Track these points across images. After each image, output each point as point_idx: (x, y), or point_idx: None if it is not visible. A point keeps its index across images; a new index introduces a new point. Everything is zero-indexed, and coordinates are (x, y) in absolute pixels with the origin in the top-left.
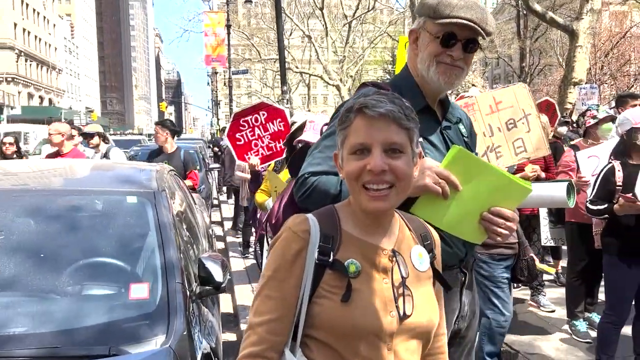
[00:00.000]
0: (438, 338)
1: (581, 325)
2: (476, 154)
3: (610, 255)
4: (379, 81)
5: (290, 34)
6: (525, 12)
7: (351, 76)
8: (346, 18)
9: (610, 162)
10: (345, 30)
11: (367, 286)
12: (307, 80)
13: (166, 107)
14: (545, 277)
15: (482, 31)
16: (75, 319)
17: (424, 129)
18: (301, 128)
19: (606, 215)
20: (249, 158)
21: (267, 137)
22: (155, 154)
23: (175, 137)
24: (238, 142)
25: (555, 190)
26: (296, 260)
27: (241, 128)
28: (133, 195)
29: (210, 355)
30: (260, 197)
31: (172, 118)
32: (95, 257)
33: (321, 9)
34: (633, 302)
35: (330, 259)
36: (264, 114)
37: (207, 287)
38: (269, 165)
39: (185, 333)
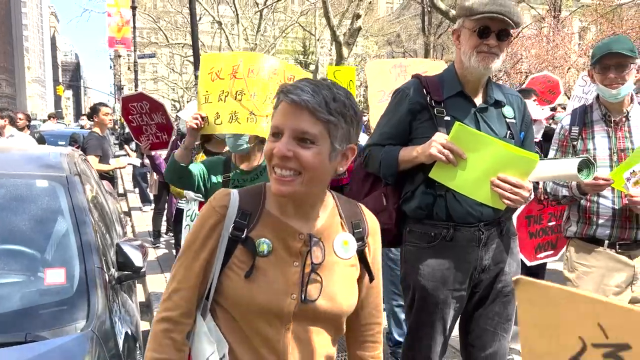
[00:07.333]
0: (371, 327)
1: None
2: (508, 133)
3: None
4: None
5: (200, 19)
6: (429, 9)
7: None
8: (257, 6)
9: None
10: (256, 18)
11: (275, 267)
12: None
13: (64, 91)
14: None
15: (510, 21)
16: None
17: (456, 110)
18: None
19: None
20: (141, 141)
21: (154, 126)
22: None
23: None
24: (132, 124)
25: (568, 166)
26: (212, 234)
27: (131, 111)
28: (44, 179)
29: (131, 339)
30: None
31: (70, 103)
32: (7, 244)
33: None
34: None
35: (243, 235)
36: (146, 104)
37: (126, 272)
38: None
39: (106, 317)
